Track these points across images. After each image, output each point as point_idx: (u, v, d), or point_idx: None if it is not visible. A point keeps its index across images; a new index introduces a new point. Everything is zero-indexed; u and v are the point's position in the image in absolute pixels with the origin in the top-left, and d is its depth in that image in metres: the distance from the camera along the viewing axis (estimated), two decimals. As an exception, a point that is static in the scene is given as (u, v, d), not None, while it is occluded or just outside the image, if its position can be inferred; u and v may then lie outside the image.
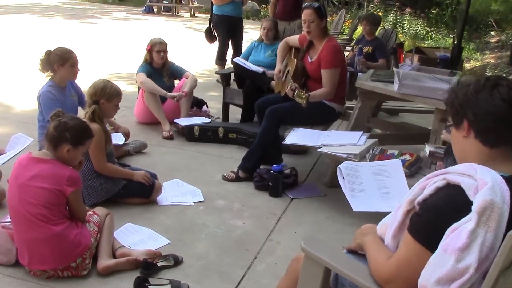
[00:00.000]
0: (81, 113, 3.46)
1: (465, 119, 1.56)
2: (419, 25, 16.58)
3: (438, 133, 3.31)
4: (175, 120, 4.86)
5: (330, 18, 13.24)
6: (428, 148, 2.80)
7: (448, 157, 2.47)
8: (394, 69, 3.49)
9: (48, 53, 3.83)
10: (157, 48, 4.91)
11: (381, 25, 10.82)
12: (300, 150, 4.52)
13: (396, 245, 1.62)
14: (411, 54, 4.09)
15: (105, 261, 2.61)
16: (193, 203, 3.51)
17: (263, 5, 17.48)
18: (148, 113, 4.95)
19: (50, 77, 3.90)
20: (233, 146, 4.71)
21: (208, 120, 4.96)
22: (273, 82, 4.92)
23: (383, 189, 2.16)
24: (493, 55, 14.67)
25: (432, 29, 16.46)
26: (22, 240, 2.51)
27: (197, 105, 5.29)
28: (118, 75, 7.44)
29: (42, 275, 2.53)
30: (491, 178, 1.39)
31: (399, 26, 16.29)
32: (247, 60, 5.21)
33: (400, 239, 1.61)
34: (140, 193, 3.40)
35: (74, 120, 2.61)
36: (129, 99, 5.54)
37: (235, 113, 5.39)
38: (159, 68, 5.02)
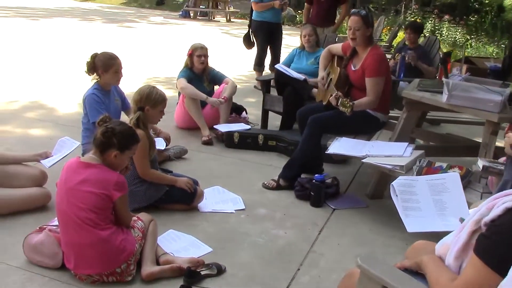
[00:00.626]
0: (125, 118, 3.47)
1: None
2: (458, 33, 16.25)
3: (489, 147, 3.20)
4: (214, 126, 4.86)
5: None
6: (482, 163, 2.70)
7: (510, 166, 2.38)
8: (444, 79, 3.40)
9: (94, 57, 3.88)
10: (198, 53, 4.93)
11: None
12: (341, 160, 4.46)
13: (458, 266, 1.56)
14: (459, 63, 3.98)
15: (149, 268, 2.60)
16: (234, 211, 3.49)
17: (299, 11, 17.43)
18: (188, 118, 4.96)
19: (95, 80, 3.95)
20: (273, 153, 4.68)
21: (248, 126, 4.94)
22: (314, 90, 4.87)
23: (439, 205, 2.08)
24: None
25: (472, 36, 16.12)
26: (69, 244, 2.53)
27: (237, 111, 5.28)
28: (157, 79, 7.51)
29: (87, 279, 2.54)
30: None
31: (438, 33, 15.98)
32: (288, 68, 5.16)
33: (463, 260, 1.55)
34: (182, 200, 3.39)
35: (121, 125, 2.62)
36: (168, 104, 5.56)
37: (274, 120, 5.36)
38: (199, 73, 5.03)
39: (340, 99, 3.62)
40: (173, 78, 7.44)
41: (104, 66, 3.82)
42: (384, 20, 10.20)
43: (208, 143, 4.74)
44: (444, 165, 3.20)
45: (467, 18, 19.73)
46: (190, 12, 17.55)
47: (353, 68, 3.95)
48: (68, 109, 5.62)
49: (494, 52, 14.18)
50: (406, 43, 6.14)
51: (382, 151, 3.47)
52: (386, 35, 12.59)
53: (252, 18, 6.95)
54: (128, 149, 2.59)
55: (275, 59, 7.15)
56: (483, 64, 4.06)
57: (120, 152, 2.55)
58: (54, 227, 2.70)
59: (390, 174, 3.75)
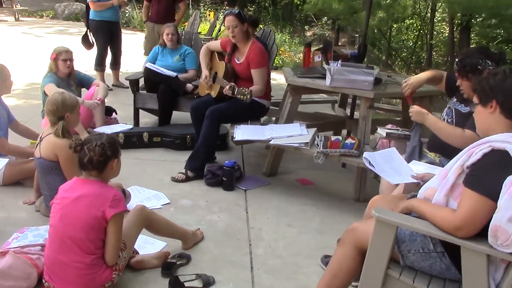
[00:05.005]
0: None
1: (494, 100, 2.10)
2: (247, 23, 17.52)
3: (367, 118, 3.90)
4: (95, 129, 4.79)
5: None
6: (383, 131, 3.37)
7: (415, 134, 3.06)
8: (325, 65, 4.00)
9: None
10: (63, 57, 4.73)
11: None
12: (223, 147, 4.86)
13: (446, 202, 2.11)
14: (318, 52, 4.66)
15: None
16: (161, 206, 3.63)
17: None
18: (62, 125, 4.78)
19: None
20: (160, 149, 4.83)
21: (130, 126, 4.98)
22: (188, 85, 5.15)
23: (395, 169, 2.65)
24: (316, 47, 16.39)
25: (261, 26, 17.66)
26: (52, 259, 2.43)
27: (107, 112, 5.23)
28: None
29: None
30: None
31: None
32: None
33: (450, 197, 2.10)
34: (114, 203, 3.42)
35: (101, 136, 2.54)
36: (24, 113, 5.30)
37: (142, 117, 5.47)
38: (65, 77, 4.86)
39: (236, 89, 3.98)
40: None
41: (0, 76, 3.58)
42: (199, 14, 10.66)
43: (92, 147, 4.67)
44: (340, 137, 3.82)
45: (246, 8, 21.42)
46: (-31, 11, 15.74)
47: (237, 61, 4.34)
48: None
49: (284, 39, 15.86)
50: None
51: (283, 132, 3.95)
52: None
53: (90, 18, 6.77)
54: (118, 151, 2.56)
55: (116, 58, 7.13)
56: (340, 51, 4.81)
57: (117, 158, 2.53)
58: (18, 248, 2.59)
59: (281, 154, 4.31)
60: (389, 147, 3.54)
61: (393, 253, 2.18)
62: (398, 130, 3.39)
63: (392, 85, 4.17)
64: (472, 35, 13.22)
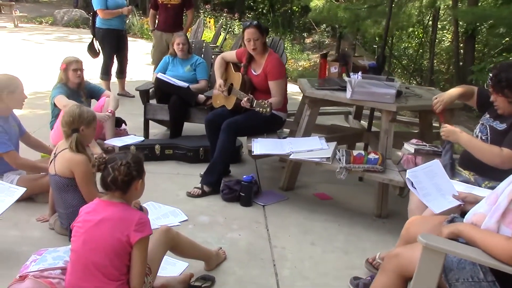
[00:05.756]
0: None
1: None
2: (248, 29, 17.46)
3: (389, 132, 3.80)
4: (106, 142, 4.67)
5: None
6: (411, 147, 3.26)
7: (446, 153, 2.96)
8: (346, 78, 3.90)
9: None
10: (73, 67, 4.62)
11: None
12: (236, 160, 4.74)
13: (497, 228, 1.99)
14: (335, 63, 4.56)
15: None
16: (179, 223, 3.51)
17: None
18: (71, 137, 4.65)
19: (-11, 107, 3.53)
20: (172, 162, 4.70)
21: (141, 138, 4.86)
22: (200, 96, 5.03)
23: (437, 187, 2.52)
24: (316, 54, 16.36)
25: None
26: (75, 286, 2.33)
27: (116, 124, 5.11)
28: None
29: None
30: None
31: (230, 30, 17.02)
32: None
33: (502, 222, 1.99)
34: (132, 220, 3.29)
35: (127, 155, 2.39)
36: (31, 124, 5.15)
37: (151, 128, 5.35)
38: (75, 88, 4.74)
39: (255, 101, 3.86)
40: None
41: (10, 88, 3.46)
42: (203, 22, 10.54)
43: (103, 160, 4.54)
44: (362, 152, 3.72)
45: (244, 15, 21.39)
46: (-32, 17, 15.58)
47: (254, 73, 4.23)
48: None
49: (285, 46, 15.76)
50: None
51: (303, 146, 3.83)
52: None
53: (97, 26, 6.66)
54: (143, 171, 2.43)
55: (122, 67, 7.02)
56: (357, 62, 4.70)
57: (142, 179, 2.41)
58: (37, 272, 2.46)
59: (298, 168, 4.20)
60: (415, 163, 3.43)
61: (440, 282, 2.06)
62: (426, 146, 3.28)
63: (412, 98, 4.07)
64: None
